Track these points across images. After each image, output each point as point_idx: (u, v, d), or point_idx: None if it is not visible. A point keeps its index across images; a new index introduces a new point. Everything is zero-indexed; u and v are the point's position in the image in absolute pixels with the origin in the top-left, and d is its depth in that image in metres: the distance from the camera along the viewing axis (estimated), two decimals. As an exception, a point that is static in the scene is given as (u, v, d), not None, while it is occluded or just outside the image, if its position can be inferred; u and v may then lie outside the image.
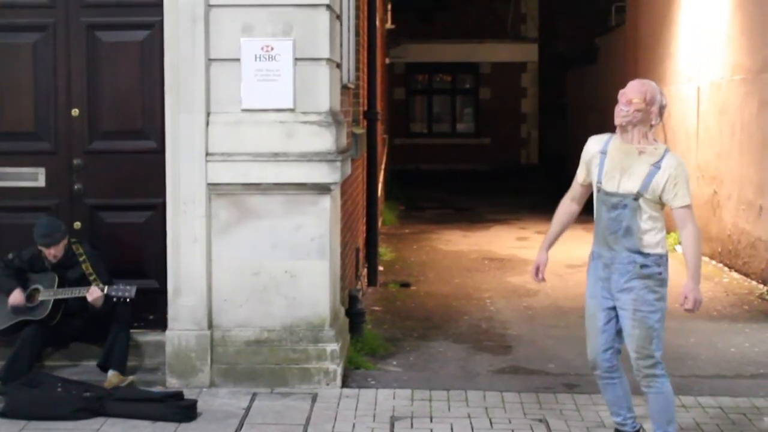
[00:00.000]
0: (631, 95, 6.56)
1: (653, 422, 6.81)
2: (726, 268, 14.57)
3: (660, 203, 6.55)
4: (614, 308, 6.71)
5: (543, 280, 7.17)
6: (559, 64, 31.99)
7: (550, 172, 31.26)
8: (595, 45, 26.72)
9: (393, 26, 22.66)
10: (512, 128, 34.03)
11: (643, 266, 6.56)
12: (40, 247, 8.35)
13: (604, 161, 6.66)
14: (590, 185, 6.84)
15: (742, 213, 14.35)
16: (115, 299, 8.21)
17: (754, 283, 13.41)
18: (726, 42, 15.31)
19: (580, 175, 6.89)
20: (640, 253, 6.55)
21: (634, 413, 7.00)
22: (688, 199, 6.52)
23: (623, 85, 6.74)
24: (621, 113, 6.60)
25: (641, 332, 6.58)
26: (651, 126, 6.63)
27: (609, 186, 6.61)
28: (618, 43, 23.48)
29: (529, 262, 15.43)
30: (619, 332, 6.75)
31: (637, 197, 6.52)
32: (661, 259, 6.60)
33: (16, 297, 8.27)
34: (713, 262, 15.01)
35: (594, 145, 6.80)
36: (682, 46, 17.69)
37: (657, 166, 6.50)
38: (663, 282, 6.61)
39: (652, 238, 6.58)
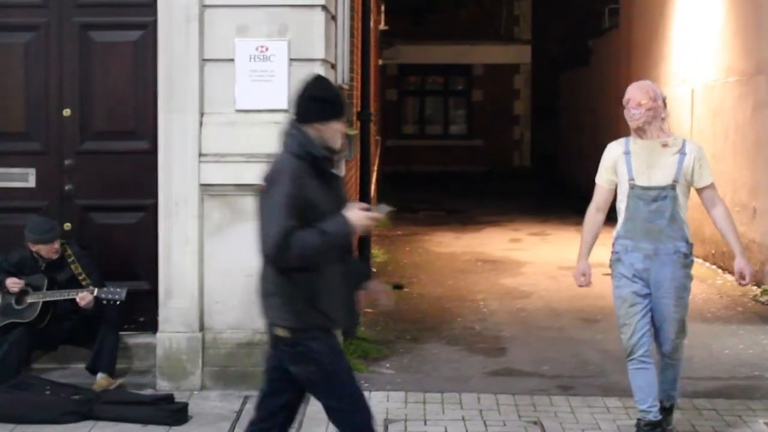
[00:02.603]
0: (638, 98, 6.99)
1: (668, 384, 7.30)
2: (720, 270, 14.54)
3: (688, 189, 7.08)
4: (648, 295, 7.08)
5: (589, 284, 7.40)
6: (552, 66, 31.97)
7: (542, 174, 31.26)
8: (588, 47, 26.69)
9: (386, 28, 22.61)
10: (505, 130, 34.02)
11: (686, 255, 7.08)
12: (35, 247, 8.29)
13: (630, 160, 7.07)
14: (615, 188, 7.21)
15: (735, 215, 14.28)
16: (105, 302, 8.16)
17: (748, 284, 13.38)
18: (719, 44, 15.30)
19: (606, 180, 7.25)
20: (686, 241, 7.08)
21: (658, 402, 7.21)
22: (712, 178, 7.14)
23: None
24: (634, 117, 7.02)
25: (682, 315, 7.14)
26: (663, 119, 7.07)
27: (642, 181, 7.02)
28: (611, 46, 23.45)
29: (523, 263, 15.46)
30: (652, 319, 7.14)
31: (674, 186, 6.99)
32: (692, 247, 7.16)
33: (15, 282, 8.19)
34: (707, 263, 14.99)
35: (616, 148, 7.20)
36: (676, 48, 17.67)
37: (682, 152, 7.03)
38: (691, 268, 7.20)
39: (688, 226, 7.11)
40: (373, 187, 15.94)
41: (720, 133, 15.07)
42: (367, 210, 5.55)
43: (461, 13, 32.52)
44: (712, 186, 7.16)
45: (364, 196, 13.21)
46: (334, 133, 5.64)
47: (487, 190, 28.34)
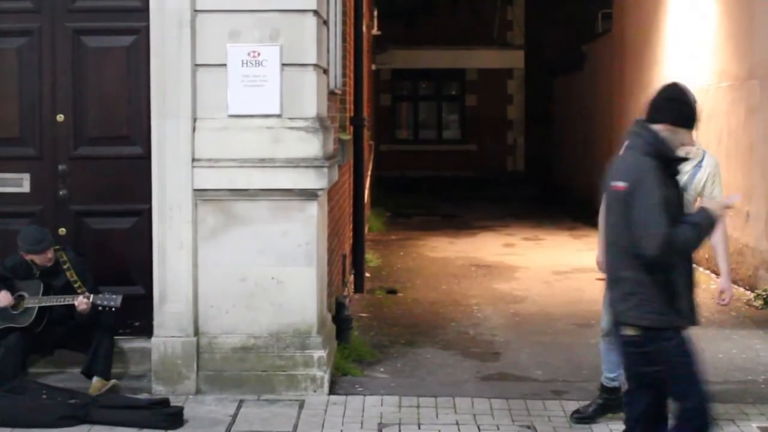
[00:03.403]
0: None
1: None
2: (713, 275, 14.54)
3: (695, 199, 7.33)
4: None
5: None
6: (545, 70, 32.00)
7: (536, 179, 31.26)
8: (581, 52, 26.73)
9: (379, 32, 22.62)
10: (498, 135, 34.02)
11: None
12: (28, 256, 8.29)
13: None
14: None
15: (729, 220, 14.32)
16: (100, 308, 8.16)
17: (741, 289, 13.40)
18: (713, 48, 15.32)
19: None
20: None
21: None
22: (722, 195, 7.40)
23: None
24: None
25: None
26: None
27: None
28: (604, 50, 23.48)
29: (516, 268, 15.47)
30: None
31: None
32: None
33: (4, 297, 8.21)
34: (701, 268, 14.99)
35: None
36: (669, 52, 17.69)
37: (699, 165, 7.33)
38: None
39: None
40: (366, 192, 15.93)
41: (713, 137, 15.07)
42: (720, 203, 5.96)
43: (455, 19, 32.52)
44: None
45: (357, 201, 13.25)
46: (679, 140, 5.85)
47: (480, 195, 28.37)
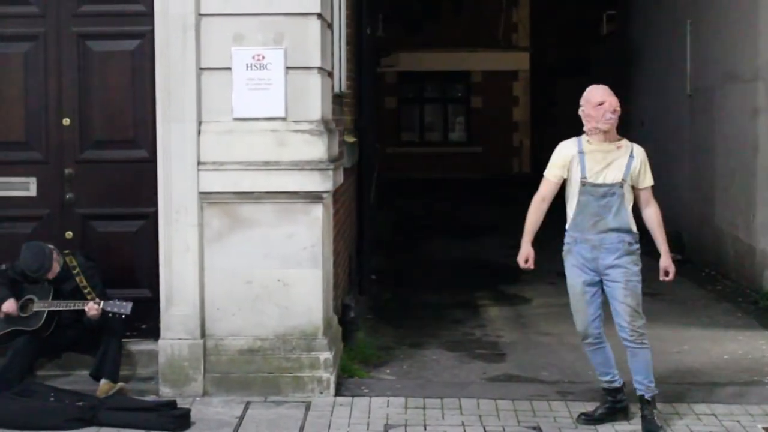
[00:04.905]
0: (615, 103, 7.65)
1: (641, 374, 7.77)
2: (719, 276, 14.56)
3: (631, 187, 7.74)
4: (598, 283, 7.79)
5: (533, 267, 8.13)
6: (550, 72, 32.00)
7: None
8: (586, 53, 26.73)
9: (384, 35, 22.62)
10: (504, 137, 34.05)
11: (630, 244, 7.68)
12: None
13: (584, 159, 7.70)
14: (560, 182, 7.87)
15: (730, 219, 14.35)
16: (110, 315, 8.17)
17: (747, 290, 13.40)
18: (718, 48, 15.30)
19: (556, 175, 7.87)
20: (629, 232, 7.69)
21: (617, 371, 7.97)
22: (652, 181, 7.85)
23: (615, 94, 7.70)
24: (610, 120, 7.65)
25: (633, 299, 7.68)
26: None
27: (594, 179, 7.66)
28: (609, 52, 23.48)
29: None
30: (602, 303, 7.84)
31: (622, 184, 7.65)
32: (637, 237, 7.76)
33: (10, 305, 8.24)
34: (706, 269, 15.01)
35: (570, 148, 7.83)
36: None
37: (632, 155, 7.71)
38: (640, 255, 7.80)
39: (632, 219, 7.72)
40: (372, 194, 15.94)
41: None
42: None
43: (460, 21, 32.52)
44: (650, 187, 7.85)
45: (363, 203, 13.26)
46: None
47: (486, 196, 28.33)
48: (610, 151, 7.68)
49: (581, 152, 7.71)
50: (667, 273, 7.79)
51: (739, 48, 14.13)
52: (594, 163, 7.66)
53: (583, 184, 7.68)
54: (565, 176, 7.81)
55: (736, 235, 14.16)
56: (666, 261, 7.79)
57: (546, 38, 32.88)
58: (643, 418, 7.72)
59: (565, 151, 7.82)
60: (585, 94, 7.76)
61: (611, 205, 7.64)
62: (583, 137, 7.76)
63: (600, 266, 7.72)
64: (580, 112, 7.77)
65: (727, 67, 14.74)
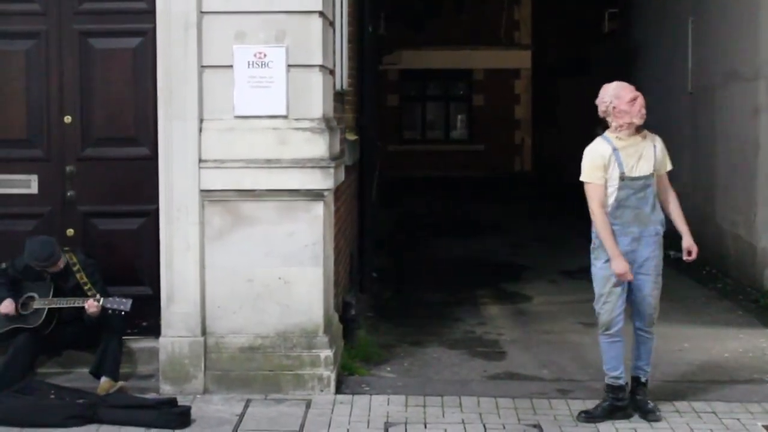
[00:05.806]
0: (642, 99, 7.81)
1: (644, 360, 8.07)
2: (720, 274, 14.56)
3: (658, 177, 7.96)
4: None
5: (631, 277, 7.86)
6: (551, 70, 31.98)
7: (544, 179, 31.22)
8: (587, 51, 26.71)
9: (386, 33, 22.63)
10: (506, 135, 34.04)
11: (660, 236, 7.92)
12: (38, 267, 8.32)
13: (619, 156, 7.79)
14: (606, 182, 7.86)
15: (732, 220, 14.35)
16: (110, 311, 8.19)
17: (748, 288, 13.40)
18: (720, 47, 15.30)
19: (601, 177, 7.84)
20: (662, 223, 7.94)
21: (624, 368, 8.04)
22: (671, 165, 8.12)
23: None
24: (641, 113, 7.80)
25: (658, 291, 8.00)
26: None
27: (631, 172, 7.80)
28: (611, 50, 23.46)
29: (523, 268, 15.48)
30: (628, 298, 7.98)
31: (653, 174, 7.87)
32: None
33: (7, 307, 8.26)
34: (707, 267, 15.01)
35: (604, 148, 7.86)
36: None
37: (654, 144, 7.93)
38: None
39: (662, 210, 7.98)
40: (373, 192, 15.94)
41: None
42: None
43: (461, 19, 32.52)
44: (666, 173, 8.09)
45: (364, 201, 13.26)
46: None
47: (488, 194, 28.33)
48: (638, 144, 7.85)
49: (615, 149, 7.81)
50: (690, 253, 7.97)
51: (741, 46, 14.13)
52: (628, 158, 7.80)
53: (623, 179, 7.79)
54: (606, 176, 7.85)
55: (737, 233, 14.16)
56: (688, 241, 7.97)
57: (547, 36, 32.85)
58: (639, 401, 7.99)
59: (601, 152, 7.85)
60: (610, 91, 7.88)
61: (648, 196, 7.83)
62: (610, 135, 7.89)
63: (637, 258, 7.85)
64: (607, 109, 7.87)
65: (728, 65, 14.73)
